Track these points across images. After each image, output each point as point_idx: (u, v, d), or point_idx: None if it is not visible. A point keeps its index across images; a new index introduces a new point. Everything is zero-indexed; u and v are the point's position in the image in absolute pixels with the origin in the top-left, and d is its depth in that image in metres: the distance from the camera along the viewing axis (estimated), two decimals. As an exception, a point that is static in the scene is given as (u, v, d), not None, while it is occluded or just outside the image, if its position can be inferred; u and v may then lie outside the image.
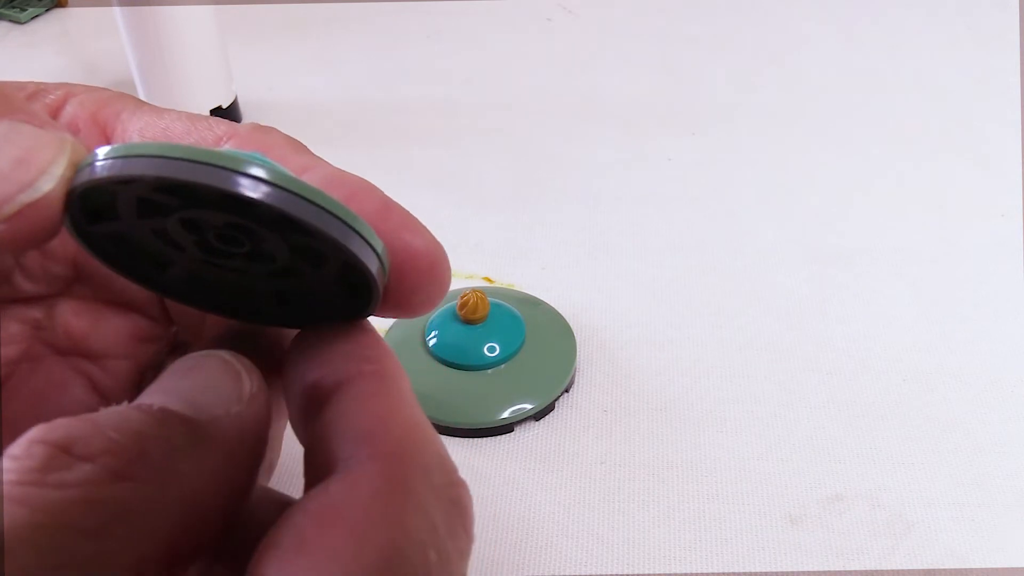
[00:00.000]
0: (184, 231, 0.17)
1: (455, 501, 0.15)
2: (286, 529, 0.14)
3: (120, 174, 0.15)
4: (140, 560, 0.13)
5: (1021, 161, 0.44)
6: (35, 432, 0.13)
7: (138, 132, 0.21)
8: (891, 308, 0.36)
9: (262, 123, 0.22)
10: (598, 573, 0.27)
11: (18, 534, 0.12)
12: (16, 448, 0.13)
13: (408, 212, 0.21)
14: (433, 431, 0.16)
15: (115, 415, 0.14)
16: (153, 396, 0.16)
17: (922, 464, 0.30)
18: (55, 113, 0.22)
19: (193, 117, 0.22)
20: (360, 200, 0.20)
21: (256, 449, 0.16)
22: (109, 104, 0.22)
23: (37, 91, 0.22)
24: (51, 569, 0.12)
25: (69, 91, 0.22)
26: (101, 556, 0.13)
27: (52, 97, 0.22)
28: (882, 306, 0.36)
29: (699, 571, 0.27)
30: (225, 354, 0.17)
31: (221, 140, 0.21)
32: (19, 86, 0.22)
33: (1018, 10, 0.57)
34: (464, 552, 0.15)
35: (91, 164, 0.16)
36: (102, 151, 0.15)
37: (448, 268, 0.20)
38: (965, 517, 0.28)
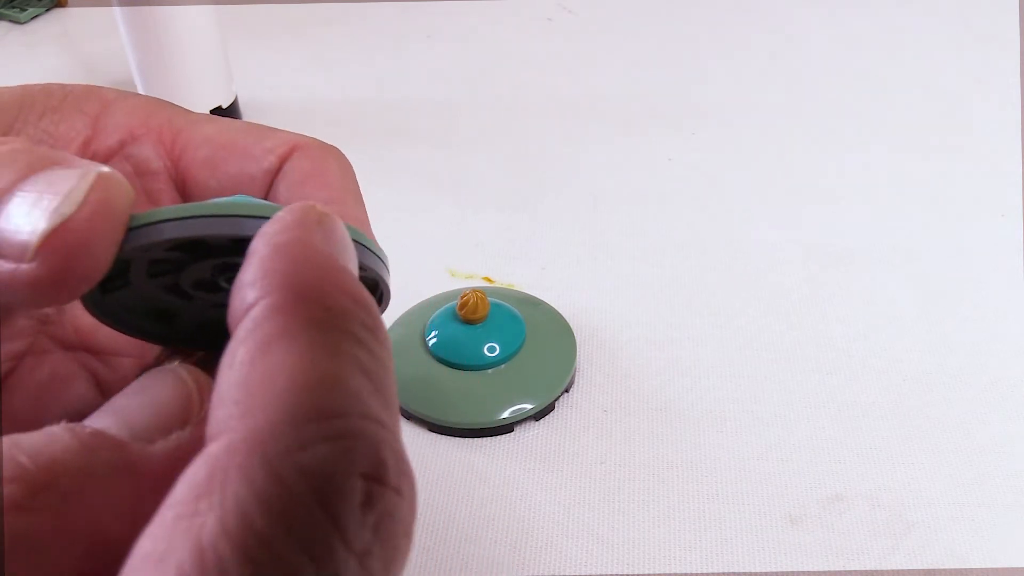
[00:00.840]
0: (193, 281, 0.17)
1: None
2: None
3: (149, 241, 0.15)
4: None
5: (1021, 161, 0.44)
6: None
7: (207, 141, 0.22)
8: (891, 308, 0.36)
9: (262, 123, 0.23)
10: (598, 573, 0.27)
11: None
12: None
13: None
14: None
15: (40, 437, 0.14)
16: (99, 414, 0.15)
17: (922, 464, 0.30)
18: (287, 151, 0.23)
19: (252, 128, 0.22)
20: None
21: None
22: (155, 114, 0.22)
23: (66, 101, 0.22)
24: None
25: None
26: None
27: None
28: (882, 306, 0.36)
29: (699, 571, 0.27)
30: (183, 370, 0.16)
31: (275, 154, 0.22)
32: (46, 91, 0.22)
33: (1018, 10, 0.57)
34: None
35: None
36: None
37: None
38: (965, 517, 0.28)
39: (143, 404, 0.16)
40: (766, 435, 0.31)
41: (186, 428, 0.15)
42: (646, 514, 0.29)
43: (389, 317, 0.34)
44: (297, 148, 0.23)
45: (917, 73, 0.53)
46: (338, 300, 0.14)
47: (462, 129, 0.48)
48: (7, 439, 0.13)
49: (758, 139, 0.47)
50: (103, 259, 0.15)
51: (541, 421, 0.31)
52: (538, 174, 0.44)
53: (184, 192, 0.23)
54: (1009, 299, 0.36)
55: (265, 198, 0.23)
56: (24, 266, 0.15)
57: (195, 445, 0.14)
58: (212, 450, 0.12)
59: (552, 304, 0.35)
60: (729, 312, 0.36)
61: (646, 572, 0.27)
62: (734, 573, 0.27)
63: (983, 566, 0.27)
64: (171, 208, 0.15)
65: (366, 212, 0.23)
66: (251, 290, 0.14)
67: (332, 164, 0.23)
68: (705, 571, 0.27)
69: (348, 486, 0.12)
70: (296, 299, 0.14)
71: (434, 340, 0.32)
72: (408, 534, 0.14)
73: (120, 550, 0.13)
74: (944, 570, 0.27)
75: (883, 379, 0.33)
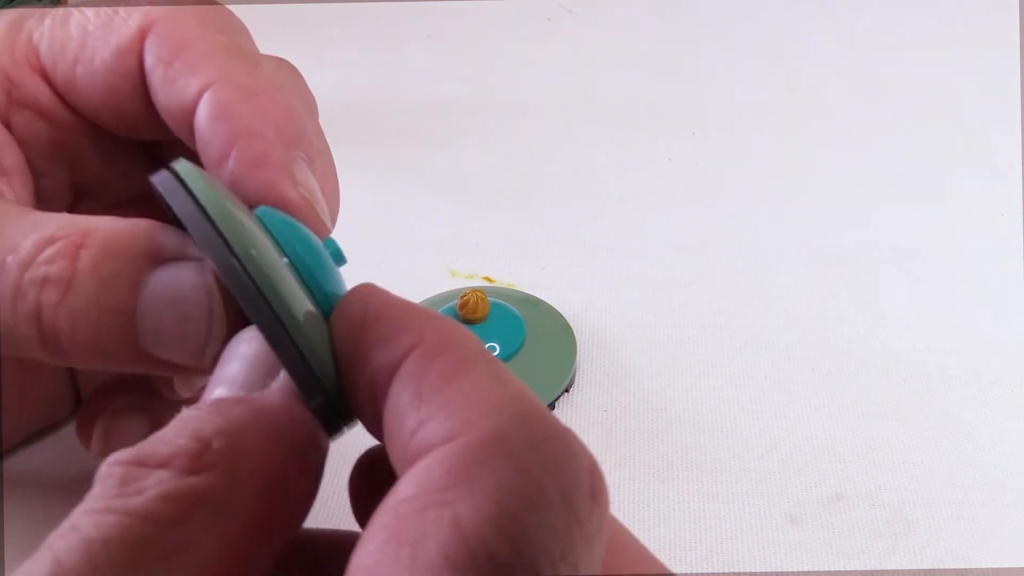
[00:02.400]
0: None
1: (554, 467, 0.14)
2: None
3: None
4: (224, 541, 0.14)
5: (1021, 161, 0.44)
6: (111, 457, 0.15)
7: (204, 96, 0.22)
8: (891, 308, 0.36)
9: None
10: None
11: (107, 533, 0.14)
12: (100, 471, 0.15)
13: (281, 165, 0.21)
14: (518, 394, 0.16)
15: (176, 424, 0.15)
16: (208, 389, 0.17)
17: (922, 464, 0.30)
18: (139, 41, 0.23)
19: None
20: (244, 146, 0.21)
21: None
22: (189, 45, 0.22)
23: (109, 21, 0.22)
24: (146, 557, 0.14)
25: (146, 19, 0.23)
26: (187, 541, 0.14)
27: (129, 28, 0.22)
28: (882, 306, 0.36)
29: (699, 571, 0.27)
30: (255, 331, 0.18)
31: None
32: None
33: (1018, 10, 0.57)
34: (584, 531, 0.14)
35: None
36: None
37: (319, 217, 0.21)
38: (965, 517, 0.28)
39: (240, 365, 0.17)
40: (766, 435, 0.31)
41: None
42: (646, 514, 0.29)
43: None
44: (146, 30, 0.23)
45: (917, 73, 0.53)
46: (474, 336, 0.16)
47: (462, 129, 0.48)
48: (151, 437, 0.15)
49: (758, 139, 0.47)
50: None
51: (541, 421, 0.31)
52: (538, 174, 0.44)
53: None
54: (1009, 299, 0.36)
55: (146, 97, 0.23)
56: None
57: None
58: (445, 451, 0.14)
59: (552, 304, 0.35)
60: (729, 312, 0.36)
61: (646, 572, 0.27)
62: (734, 573, 0.27)
63: (983, 566, 0.27)
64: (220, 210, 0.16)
65: (246, 51, 0.23)
66: (399, 341, 0.15)
67: (188, 32, 0.23)
68: (705, 571, 0.27)
69: (581, 479, 0.14)
70: (451, 339, 0.16)
71: (434, 340, 0.32)
72: (608, 530, 0.15)
73: (284, 485, 0.15)
74: (944, 570, 0.27)
75: (883, 379, 0.33)
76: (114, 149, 0.26)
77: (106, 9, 0.23)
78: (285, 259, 0.17)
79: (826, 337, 0.35)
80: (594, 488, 0.14)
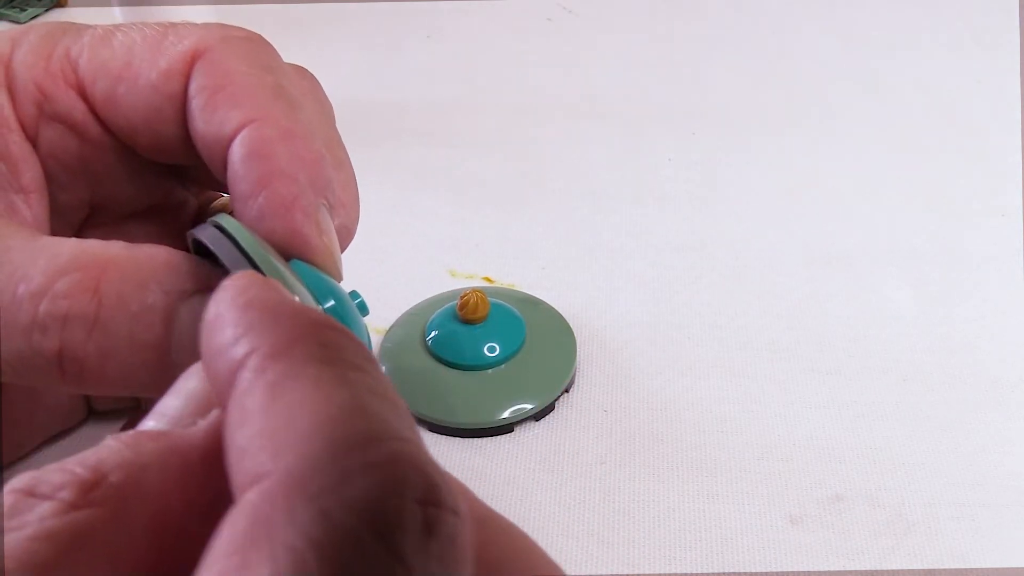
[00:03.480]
0: None
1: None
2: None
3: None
4: None
5: (1021, 161, 0.44)
6: (11, 482, 0.14)
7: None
8: (891, 308, 0.36)
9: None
10: (598, 573, 0.27)
11: None
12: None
13: (310, 212, 0.21)
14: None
15: (86, 451, 0.14)
16: (143, 420, 0.16)
17: (922, 464, 0.30)
18: (188, 65, 0.23)
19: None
20: (277, 187, 0.21)
21: None
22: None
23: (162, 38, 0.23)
24: None
25: (199, 45, 0.23)
26: None
27: (180, 51, 0.22)
28: (882, 306, 0.36)
29: (699, 571, 0.27)
30: None
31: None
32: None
33: (1018, 10, 0.57)
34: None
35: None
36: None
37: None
38: (965, 517, 0.28)
39: (177, 398, 0.16)
40: (766, 435, 0.31)
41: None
42: (646, 514, 0.29)
43: (389, 318, 0.34)
44: (195, 58, 0.23)
45: (917, 73, 0.53)
46: (326, 335, 0.14)
47: (462, 129, 0.48)
48: (64, 460, 0.14)
49: (758, 139, 0.47)
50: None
51: (541, 421, 0.31)
52: (538, 174, 0.44)
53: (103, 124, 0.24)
54: (1009, 299, 0.36)
55: (184, 121, 0.23)
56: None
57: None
58: (249, 498, 0.12)
59: (552, 304, 0.35)
60: (729, 312, 0.36)
61: (646, 572, 0.27)
62: (734, 573, 0.27)
63: (983, 566, 0.27)
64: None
65: (288, 95, 0.23)
66: (237, 347, 0.14)
67: (235, 66, 0.23)
68: (705, 571, 0.27)
69: (405, 514, 0.12)
70: (287, 342, 0.14)
71: (434, 340, 0.32)
72: (471, 557, 0.13)
73: (183, 531, 0.14)
74: (944, 570, 0.27)
75: (883, 379, 0.33)
76: (135, 168, 0.26)
77: (155, 30, 0.23)
78: (319, 308, 0.17)
79: (826, 337, 0.35)
80: (428, 519, 0.12)
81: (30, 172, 0.23)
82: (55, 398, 0.28)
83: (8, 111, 0.23)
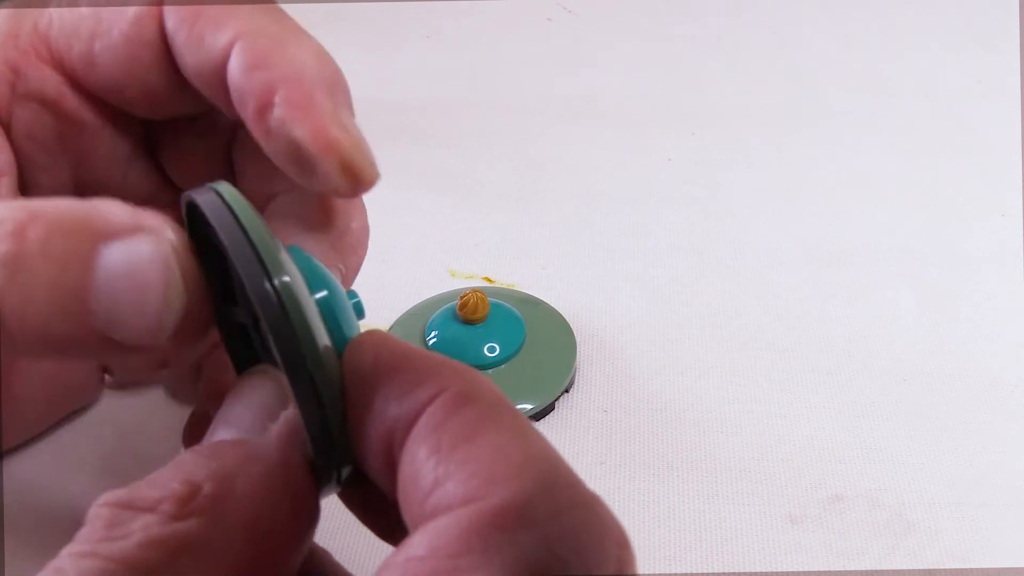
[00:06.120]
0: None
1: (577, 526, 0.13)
2: None
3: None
4: None
5: (1021, 161, 0.44)
6: (101, 497, 0.15)
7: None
8: (891, 308, 0.36)
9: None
10: (598, 573, 0.27)
11: None
12: (90, 511, 0.15)
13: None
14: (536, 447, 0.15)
15: (170, 467, 0.15)
16: (211, 430, 0.17)
17: (922, 464, 0.30)
18: (157, 7, 0.22)
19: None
20: (289, 91, 0.20)
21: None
22: (270, 59, 0.22)
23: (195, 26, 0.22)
24: None
25: (238, 34, 0.22)
26: None
27: (222, 44, 0.22)
28: (882, 306, 0.36)
29: (699, 571, 0.27)
30: (266, 366, 0.18)
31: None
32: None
33: (1018, 10, 0.57)
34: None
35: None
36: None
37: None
38: (965, 517, 0.28)
39: (245, 406, 0.17)
40: (766, 435, 0.31)
41: (289, 407, 0.17)
42: (646, 514, 0.29)
43: (389, 317, 0.34)
44: (239, 38, 0.22)
45: (917, 73, 0.53)
46: (497, 388, 0.15)
47: (462, 129, 0.48)
48: (147, 478, 0.15)
49: (758, 139, 0.47)
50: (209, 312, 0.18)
51: (541, 421, 0.31)
52: (538, 174, 0.44)
53: (91, 100, 0.23)
54: (1009, 299, 0.36)
55: (167, 67, 0.22)
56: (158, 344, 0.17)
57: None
58: (463, 513, 0.13)
59: (552, 304, 0.35)
60: (729, 312, 0.36)
61: (646, 572, 0.27)
62: (734, 573, 0.27)
63: (983, 566, 0.27)
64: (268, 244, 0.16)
65: (278, 11, 0.22)
66: (420, 392, 0.15)
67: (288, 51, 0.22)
68: (705, 571, 0.27)
69: (606, 552, 0.13)
70: (474, 390, 0.15)
71: (434, 340, 0.32)
72: None
73: (272, 532, 0.15)
74: (944, 570, 0.27)
75: (883, 379, 0.33)
76: (120, 148, 0.25)
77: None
78: (313, 297, 0.17)
79: (826, 337, 0.35)
80: (621, 562, 0.13)
81: (2, 155, 0.23)
82: (71, 375, 0.28)
83: None
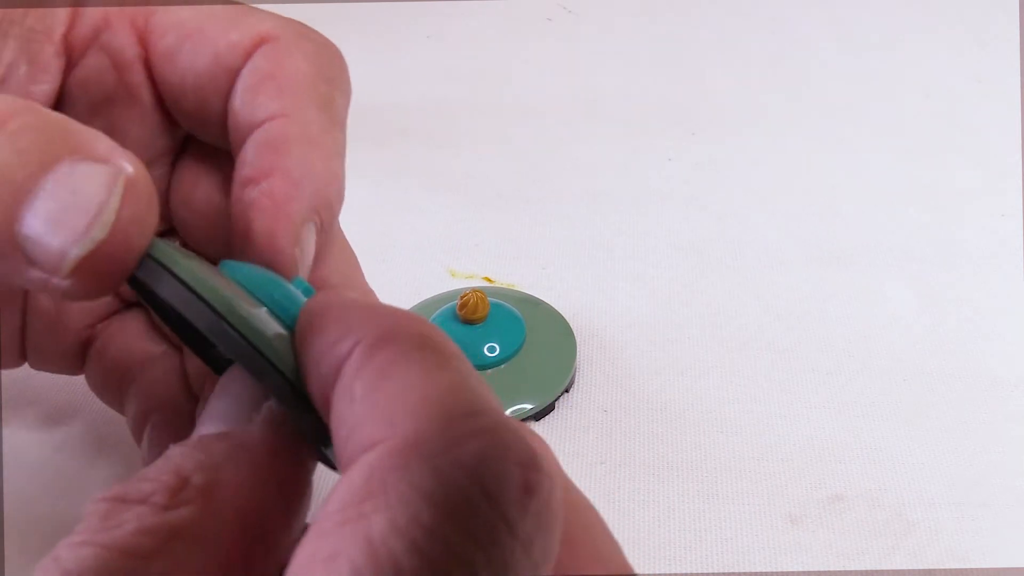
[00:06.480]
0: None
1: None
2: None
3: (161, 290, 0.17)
4: (204, 572, 0.15)
5: (1021, 161, 0.44)
6: (97, 495, 0.15)
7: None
8: (891, 308, 0.36)
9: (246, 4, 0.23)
10: (598, 573, 0.27)
11: (86, 565, 0.14)
12: (87, 508, 0.15)
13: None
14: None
15: (160, 461, 0.16)
16: (198, 425, 0.18)
17: (922, 464, 0.30)
18: (254, 46, 0.22)
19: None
20: (276, 183, 0.21)
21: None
22: (293, 74, 0.22)
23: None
24: None
25: (272, 32, 0.23)
26: (165, 573, 0.14)
27: (254, 29, 0.22)
28: (882, 306, 0.36)
29: (699, 571, 0.27)
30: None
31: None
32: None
33: (1018, 10, 0.57)
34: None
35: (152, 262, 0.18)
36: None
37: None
38: (965, 517, 0.28)
39: (227, 401, 0.18)
40: (766, 435, 0.31)
41: (271, 399, 0.17)
42: (646, 514, 0.29)
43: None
44: (265, 41, 0.23)
45: (917, 73, 0.53)
46: (423, 327, 0.16)
47: (462, 129, 0.48)
48: (135, 475, 0.16)
49: (758, 139, 0.47)
50: (128, 271, 0.18)
51: (541, 421, 0.31)
52: (538, 174, 0.44)
53: (153, 86, 0.23)
54: (1009, 299, 0.36)
55: (229, 96, 0.22)
56: (56, 280, 0.17)
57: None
58: (367, 459, 0.13)
59: (552, 304, 0.35)
60: (729, 312, 0.36)
61: (646, 572, 0.27)
62: (734, 573, 0.27)
63: (983, 566, 0.27)
64: (185, 264, 0.17)
65: (336, 113, 0.23)
66: (342, 344, 0.15)
67: (296, 63, 0.22)
68: (705, 571, 0.27)
69: (508, 475, 0.13)
70: (390, 332, 0.15)
71: (434, 340, 0.32)
72: (561, 522, 0.14)
73: (261, 518, 0.16)
74: (944, 570, 0.27)
75: (883, 379, 0.33)
76: (152, 144, 0.25)
77: (237, 9, 0.23)
78: (256, 301, 0.18)
79: (826, 337, 0.35)
80: (527, 482, 0.13)
81: (46, 84, 0.23)
82: None
83: (59, 24, 0.22)
